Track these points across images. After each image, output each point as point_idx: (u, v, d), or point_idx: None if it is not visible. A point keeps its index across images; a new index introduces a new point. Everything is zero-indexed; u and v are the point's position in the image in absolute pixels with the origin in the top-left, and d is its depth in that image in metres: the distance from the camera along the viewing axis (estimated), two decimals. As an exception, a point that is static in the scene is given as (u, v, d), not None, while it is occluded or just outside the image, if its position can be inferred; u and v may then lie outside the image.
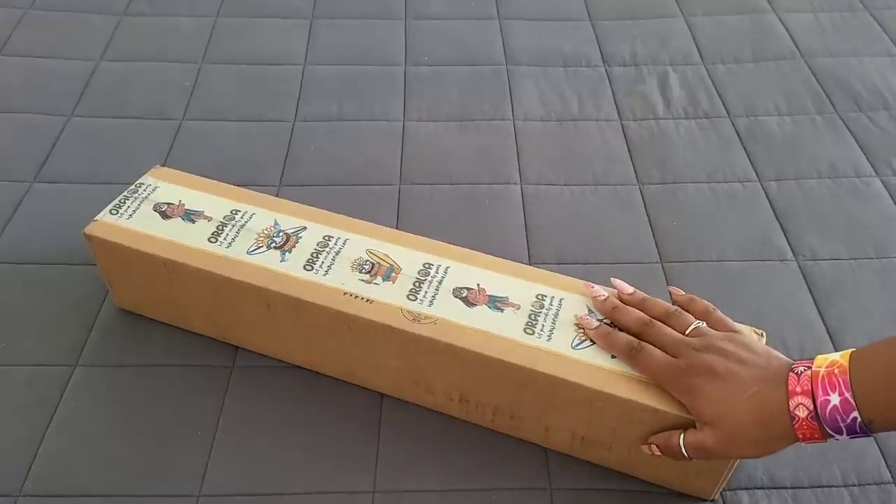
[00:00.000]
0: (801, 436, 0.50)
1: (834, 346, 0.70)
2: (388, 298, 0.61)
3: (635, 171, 0.87)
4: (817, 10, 1.11)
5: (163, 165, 0.74)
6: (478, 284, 0.62)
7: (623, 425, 0.57)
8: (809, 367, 0.50)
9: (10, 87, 0.96)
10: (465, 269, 0.64)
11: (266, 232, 0.66)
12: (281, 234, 0.66)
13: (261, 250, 0.64)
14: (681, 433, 0.54)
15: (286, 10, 1.10)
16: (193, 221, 0.67)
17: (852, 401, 0.48)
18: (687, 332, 0.57)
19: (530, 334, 0.59)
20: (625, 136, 0.91)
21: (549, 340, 0.58)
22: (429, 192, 0.84)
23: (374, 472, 0.61)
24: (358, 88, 0.97)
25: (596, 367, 0.57)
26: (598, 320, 0.60)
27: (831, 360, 0.50)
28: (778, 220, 0.81)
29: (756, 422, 0.51)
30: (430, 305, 0.61)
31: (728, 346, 0.54)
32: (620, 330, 0.58)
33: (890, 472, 0.62)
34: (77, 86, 0.96)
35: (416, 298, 0.61)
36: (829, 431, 0.49)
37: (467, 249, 0.66)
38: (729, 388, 0.52)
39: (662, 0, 1.13)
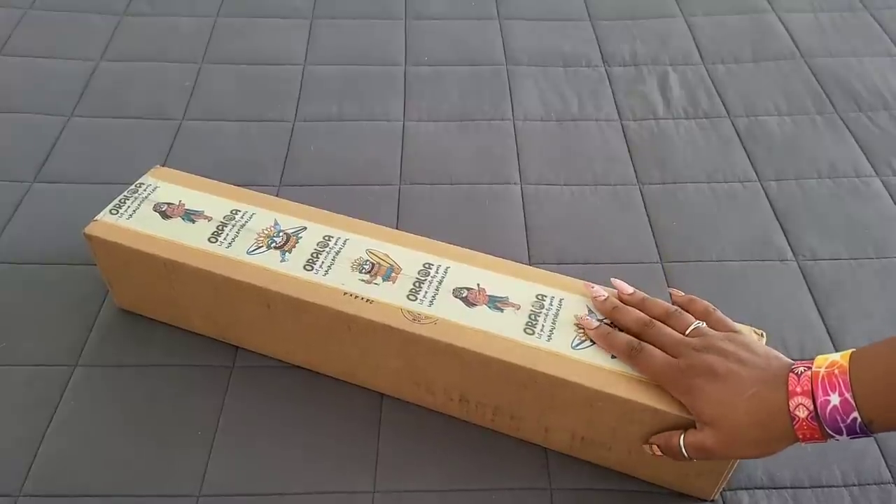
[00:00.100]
0: (801, 436, 0.50)
1: (834, 346, 0.70)
2: (388, 298, 0.61)
3: (635, 171, 0.87)
4: (817, 10, 1.11)
5: (163, 165, 0.74)
6: (478, 284, 0.63)
7: (623, 425, 0.57)
8: (809, 368, 0.50)
9: (10, 87, 0.96)
10: (465, 269, 0.64)
11: (266, 232, 0.66)
12: (281, 234, 0.66)
13: (261, 250, 0.64)
14: (681, 433, 0.54)
15: (286, 10, 1.10)
16: (193, 221, 0.67)
17: (852, 401, 0.48)
18: (687, 332, 0.57)
19: (530, 334, 0.59)
20: (625, 136, 0.91)
21: (549, 340, 0.58)
22: (429, 192, 0.84)
23: (374, 472, 0.61)
24: (358, 88, 0.97)
25: (596, 367, 0.57)
26: (598, 320, 0.60)
27: (831, 360, 0.50)
28: (778, 220, 0.81)
29: (756, 422, 0.51)
30: (430, 305, 0.61)
31: (728, 347, 0.54)
32: (620, 330, 0.59)
33: (890, 472, 0.62)
34: (77, 86, 0.96)
35: (416, 298, 0.61)
36: (829, 432, 0.49)
37: (467, 249, 0.66)
38: (729, 389, 0.52)
39: (662, 0, 1.13)
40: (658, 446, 0.56)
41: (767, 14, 1.11)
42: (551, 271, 0.65)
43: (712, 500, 0.60)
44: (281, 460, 0.62)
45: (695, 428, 0.54)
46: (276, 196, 0.73)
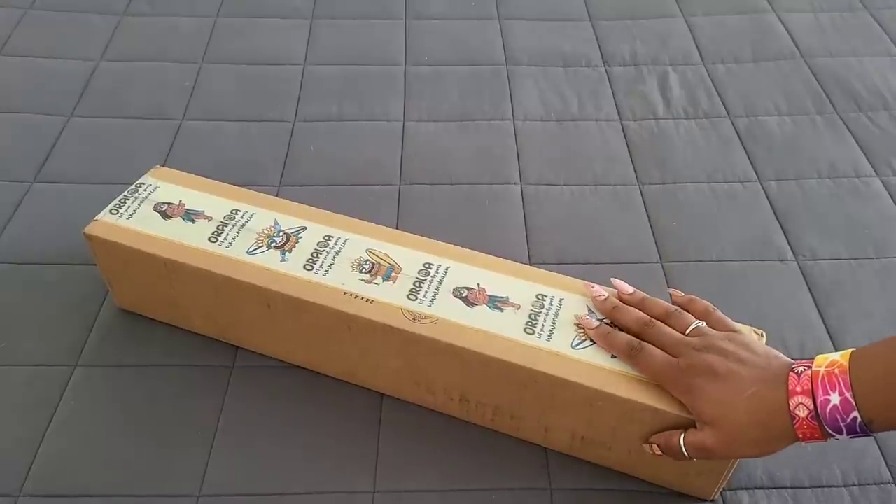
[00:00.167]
0: (801, 435, 0.50)
1: (834, 346, 0.70)
2: (389, 298, 0.61)
3: (635, 171, 0.87)
4: (817, 10, 1.11)
5: (163, 165, 0.74)
6: (478, 284, 0.63)
7: (623, 425, 0.57)
8: (809, 367, 0.50)
9: (10, 87, 0.96)
10: (465, 269, 0.64)
11: (266, 232, 0.66)
12: (281, 233, 0.66)
13: (261, 250, 0.64)
14: (681, 433, 0.54)
15: (286, 10, 1.10)
16: (193, 221, 0.67)
17: (852, 400, 0.48)
18: (687, 331, 0.57)
19: (530, 334, 0.59)
20: (625, 136, 0.91)
21: (549, 340, 0.58)
22: (429, 192, 0.84)
23: (374, 472, 0.61)
24: (358, 88, 0.97)
25: (596, 367, 0.57)
26: (598, 320, 0.60)
27: (831, 359, 0.50)
28: (778, 220, 0.81)
29: (756, 421, 0.51)
30: (430, 305, 0.61)
31: (728, 346, 0.54)
32: (620, 330, 0.59)
33: (890, 472, 0.62)
34: (77, 86, 0.96)
35: (417, 298, 0.61)
36: (830, 431, 0.49)
37: (467, 249, 0.66)
38: (729, 388, 0.52)
39: (662, 0, 1.13)
40: (658, 446, 0.56)
41: (767, 14, 1.11)
42: (551, 271, 0.65)
43: (712, 500, 0.60)
44: (281, 460, 0.62)
45: (695, 427, 0.54)
46: (276, 196, 0.73)
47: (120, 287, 0.70)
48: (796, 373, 0.50)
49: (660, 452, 0.56)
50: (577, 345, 0.58)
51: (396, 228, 0.71)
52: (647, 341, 0.57)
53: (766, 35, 1.07)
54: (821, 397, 0.49)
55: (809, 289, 0.75)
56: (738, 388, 0.51)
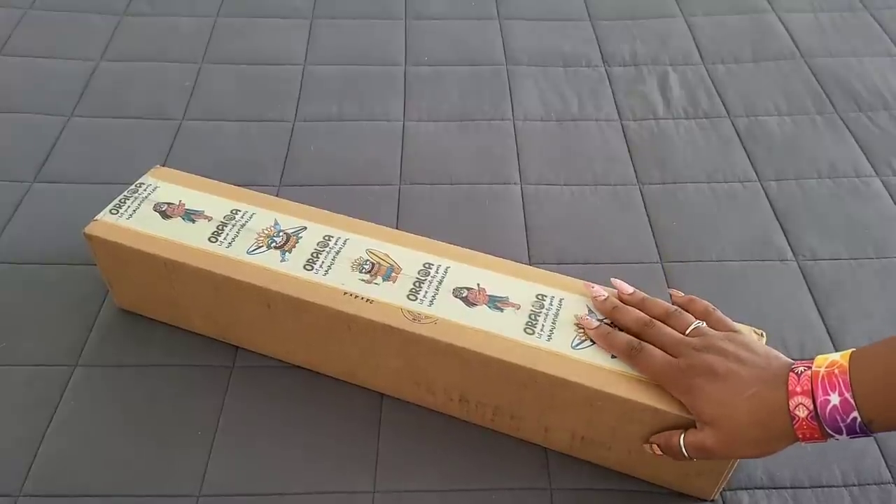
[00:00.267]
0: (801, 436, 0.50)
1: (834, 346, 0.70)
2: (388, 298, 0.61)
3: (635, 171, 0.87)
4: (817, 10, 1.11)
5: (163, 165, 0.74)
6: (478, 284, 0.63)
7: (623, 425, 0.57)
8: (809, 367, 0.50)
9: (10, 87, 0.96)
10: (465, 269, 0.64)
11: (266, 232, 0.66)
12: (281, 233, 0.66)
13: (261, 250, 0.64)
14: (681, 433, 0.54)
15: (286, 10, 1.10)
16: (193, 221, 0.67)
17: (852, 401, 0.48)
18: (687, 332, 0.57)
19: (530, 334, 0.59)
20: (625, 136, 0.91)
21: (549, 340, 0.58)
22: (429, 192, 0.84)
23: (374, 472, 0.61)
24: (358, 88, 0.97)
25: (596, 367, 0.57)
26: (598, 320, 0.60)
27: (831, 360, 0.50)
28: (778, 220, 0.81)
29: (756, 422, 0.51)
30: (430, 305, 0.61)
31: (728, 346, 0.54)
32: (620, 330, 0.59)
33: (890, 472, 0.62)
34: (77, 86, 0.96)
35: (417, 298, 0.61)
36: (829, 431, 0.49)
37: (467, 249, 0.66)
38: (729, 388, 0.52)
39: (662, 0, 1.13)
40: (658, 446, 0.56)
41: (767, 14, 1.11)
42: (551, 271, 0.65)
43: (712, 500, 0.60)
44: (281, 460, 0.62)
45: (695, 428, 0.54)
46: (276, 196, 0.73)
47: (120, 287, 0.70)
48: (796, 373, 0.50)
49: (660, 452, 0.56)
50: (577, 345, 0.58)
51: (396, 228, 0.71)
52: (647, 341, 0.57)
53: (766, 35, 1.07)
54: (820, 398, 0.49)
55: (809, 289, 0.75)
56: (738, 388, 0.51)
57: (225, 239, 0.65)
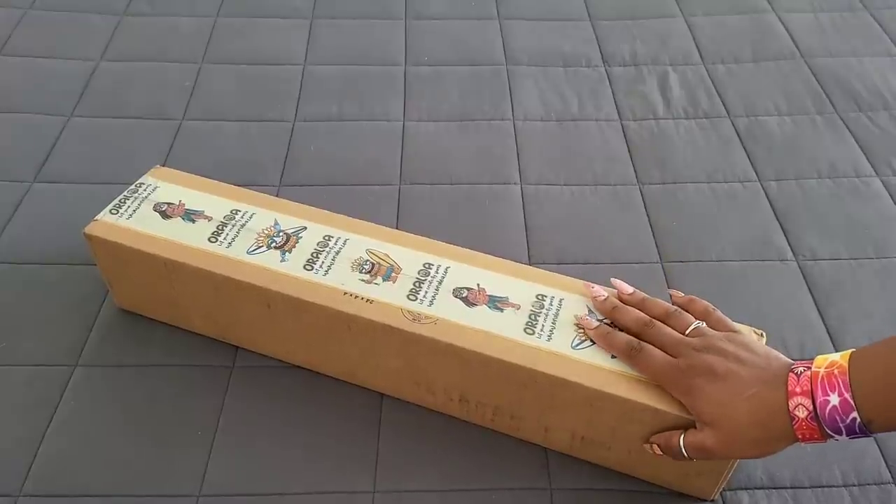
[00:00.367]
0: (800, 436, 0.50)
1: (834, 346, 0.70)
2: (388, 298, 0.61)
3: (635, 171, 0.87)
4: (817, 10, 1.11)
5: (163, 165, 0.74)
6: (478, 284, 0.63)
7: (623, 425, 0.57)
8: (809, 368, 0.50)
9: (10, 87, 0.96)
10: (465, 269, 0.64)
11: (266, 232, 0.66)
12: (281, 233, 0.66)
13: (261, 250, 0.64)
14: (681, 433, 0.54)
15: (286, 10, 1.10)
16: (193, 221, 0.67)
17: (852, 401, 0.48)
18: (687, 332, 0.57)
19: (530, 334, 0.59)
20: (625, 136, 0.91)
21: (549, 340, 0.58)
22: (429, 192, 0.84)
23: (374, 472, 0.61)
24: (358, 88, 0.97)
25: (596, 367, 0.57)
26: (598, 320, 0.60)
27: (831, 360, 0.50)
28: (778, 220, 0.81)
29: (756, 422, 0.51)
30: (430, 305, 0.61)
31: (728, 347, 0.54)
32: (620, 330, 0.59)
33: (890, 472, 0.62)
34: (77, 86, 0.96)
35: (417, 298, 0.61)
36: (829, 432, 0.49)
37: (467, 249, 0.66)
38: (729, 389, 0.52)
39: (662, 0, 1.13)
40: (658, 446, 0.56)
41: (767, 14, 1.11)
42: (551, 271, 0.65)
43: (712, 500, 0.60)
44: (281, 460, 0.62)
45: (695, 428, 0.54)
46: (276, 196, 0.73)
47: (120, 287, 0.70)
48: (796, 373, 0.50)
49: (660, 452, 0.56)
50: (577, 345, 0.58)
51: (396, 228, 0.71)
52: (646, 341, 0.57)
53: (766, 35, 1.07)
54: (820, 398, 0.49)
55: (809, 289, 0.75)
56: (738, 388, 0.51)
57: (225, 239, 0.65)
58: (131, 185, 0.70)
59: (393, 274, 0.63)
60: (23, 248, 0.77)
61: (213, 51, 1.02)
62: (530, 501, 0.60)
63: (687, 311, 0.59)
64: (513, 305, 0.61)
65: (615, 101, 0.96)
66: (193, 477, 0.61)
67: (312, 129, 0.91)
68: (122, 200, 0.68)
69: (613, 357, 0.57)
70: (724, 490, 0.60)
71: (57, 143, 0.88)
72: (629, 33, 1.07)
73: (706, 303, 0.59)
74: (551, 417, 0.60)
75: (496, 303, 0.61)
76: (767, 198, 0.84)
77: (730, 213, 0.82)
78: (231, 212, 0.68)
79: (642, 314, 0.59)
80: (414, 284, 0.62)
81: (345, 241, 0.65)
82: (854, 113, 0.94)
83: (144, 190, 0.69)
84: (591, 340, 0.58)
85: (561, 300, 0.61)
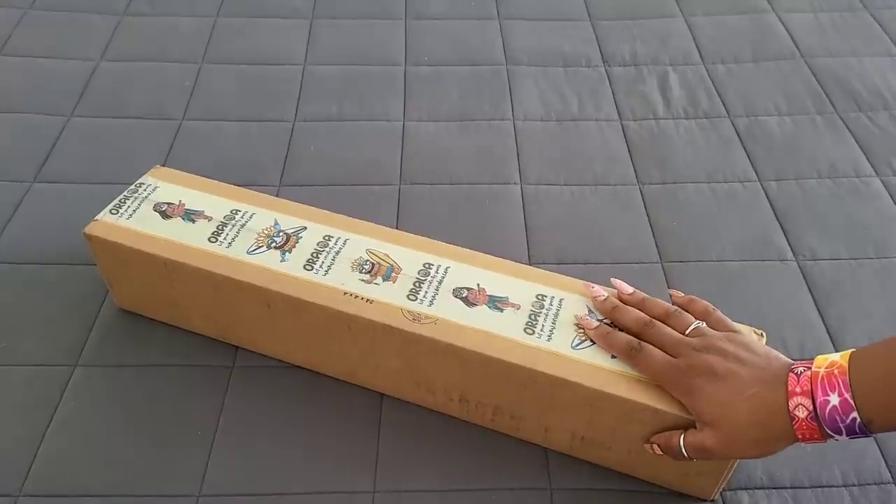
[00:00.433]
0: (800, 436, 0.50)
1: (834, 346, 0.70)
2: (388, 298, 0.61)
3: (635, 171, 0.87)
4: (817, 10, 1.11)
5: (163, 165, 0.74)
6: (478, 284, 0.63)
7: (623, 425, 0.57)
8: (809, 368, 0.50)
9: (10, 87, 0.96)
10: (465, 269, 0.64)
11: (266, 232, 0.66)
12: (281, 233, 0.66)
13: (261, 250, 0.64)
14: (681, 433, 0.54)
15: (286, 10, 1.10)
16: (193, 221, 0.67)
17: (851, 401, 0.48)
18: (687, 332, 0.57)
19: (530, 334, 0.59)
20: (625, 136, 0.91)
21: (549, 340, 0.58)
22: (429, 192, 0.84)
23: (374, 472, 0.61)
24: (358, 88, 0.97)
25: (596, 367, 0.57)
26: (598, 320, 0.60)
27: (831, 360, 0.50)
28: (778, 220, 0.81)
29: (756, 422, 0.51)
30: (430, 305, 0.61)
31: (728, 347, 0.54)
32: (620, 330, 0.59)
33: (890, 472, 0.62)
34: (77, 86, 0.96)
35: (417, 298, 0.61)
36: (829, 432, 0.49)
37: (467, 249, 0.66)
38: (729, 389, 0.52)
39: (662, 0, 1.13)
40: (658, 446, 0.56)
41: (767, 14, 1.11)
42: (551, 271, 0.65)
43: (712, 500, 0.60)
44: (281, 460, 0.62)
45: (695, 428, 0.54)
46: (276, 196, 0.73)
47: (120, 287, 0.70)
48: (796, 373, 0.50)
49: (660, 452, 0.56)
50: (577, 345, 0.58)
51: (396, 228, 0.71)
52: (646, 341, 0.57)
53: (766, 35, 1.07)
54: (820, 398, 0.49)
55: (809, 289, 0.75)
56: (738, 388, 0.51)
57: (225, 239, 0.65)
58: (131, 185, 0.70)
59: (393, 274, 0.63)
60: (23, 248, 0.77)
61: (213, 51, 1.02)
62: (530, 501, 0.60)
63: (687, 311, 0.59)
64: (513, 305, 0.61)
65: (615, 101, 0.96)
66: (193, 477, 0.61)
67: (312, 129, 0.91)
68: (122, 200, 0.68)
69: (613, 357, 0.57)
70: (724, 490, 0.60)
71: (57, 143, 0.88)
72: (629, 33, 1.07)
73: (706, 303, 0.59)
74: (551, 417, 0.60)
75: (496, 303, 0.61)
76: (767, 198, 0.84)
77: (730, 213, 0.82)
78: (231, 212, 0.68)
79: (642, 314, 0.59)
80: (414, 284, 0.62)
81: (345, 241, 0.65)
82: (854, 113, 0.94)
83: (144, 190, 0.69)
84: (591, 340, 0.58)
85: (561, 300, 0.61)
